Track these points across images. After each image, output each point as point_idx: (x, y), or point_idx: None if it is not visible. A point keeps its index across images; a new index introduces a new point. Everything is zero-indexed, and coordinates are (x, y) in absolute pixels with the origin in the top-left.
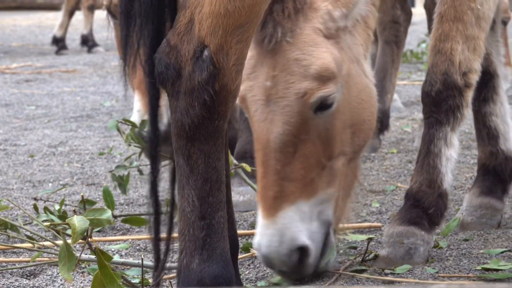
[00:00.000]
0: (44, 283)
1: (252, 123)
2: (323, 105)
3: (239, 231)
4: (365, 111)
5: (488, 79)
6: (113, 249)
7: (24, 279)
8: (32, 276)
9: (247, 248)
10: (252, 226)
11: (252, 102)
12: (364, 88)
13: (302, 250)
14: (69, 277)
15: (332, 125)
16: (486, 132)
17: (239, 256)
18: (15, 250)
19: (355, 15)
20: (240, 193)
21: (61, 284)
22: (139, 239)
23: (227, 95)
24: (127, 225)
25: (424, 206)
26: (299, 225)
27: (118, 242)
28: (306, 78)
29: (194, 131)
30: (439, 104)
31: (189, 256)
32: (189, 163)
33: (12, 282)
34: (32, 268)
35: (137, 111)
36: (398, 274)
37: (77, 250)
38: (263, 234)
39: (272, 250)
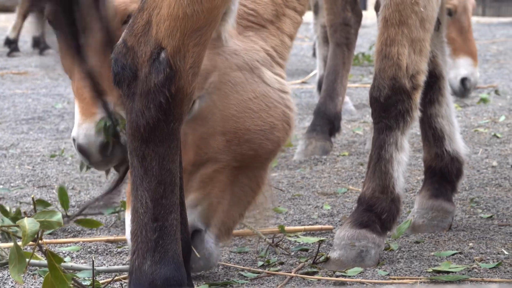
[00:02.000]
0: None
1: None
2: None
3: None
4: (252, 120)
5: (434, 81)
6: (64, 251)
7: None
8: None
9: None
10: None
11: None
12: (256, 97)
13: None
14: (20, 279)
15: (194, 130)
16: (432, 134)
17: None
18: None
19: (230, 19)
20: None
21: (12, 286)
22: (90, 241)
23: (183, 97)
24: (78, 227)
25: (377, 211)
26: None
27: (69, 244)
28: None
29: (149, 133)
30: (388, 109)
31: (141, 258)
32: (143, 165)
33: None
34: None
35: (78, 125)
36: (349, 276)
37: (31, 252)
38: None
39: None
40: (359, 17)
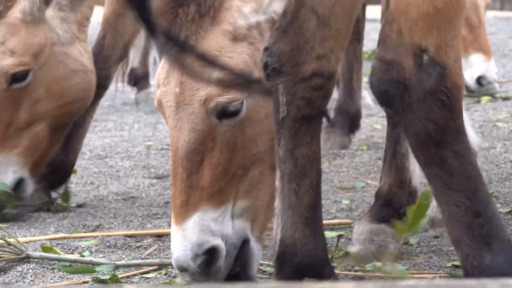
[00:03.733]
0: (14, 279)
1: (168, 129)
2: (226, 112)
3: None
4: None
5: None
6: (83, 246)
7: None
8: (1, 272)
9: None
10: None
11: (166, 108)
12: None
13: (211, 252)
14: None
15: (243, 133)
16: None
17: None
18: None
19: (269, 9)
20: None
21: (31, 280)
22: (109, 236)
23: (458, 91)
24: (97, 222)
25: (395, 206)
26: (205, 229)
27: (88, 238)
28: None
29: (441, 134)
30: None
31: (478, 257)
32: (445, 168)
33: None
34: (1, 264)
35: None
36: (368, 271)
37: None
38: (173, 240)
39: (180, 254)
40: (364, 8)
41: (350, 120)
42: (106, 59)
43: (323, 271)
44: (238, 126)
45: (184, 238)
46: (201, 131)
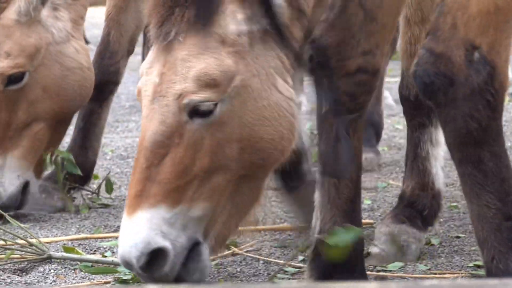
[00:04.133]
0: (36, 280)
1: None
2: (198, 111)
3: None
4: (266, 128)
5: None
6: (105, 246)
7: (16, 276)
8: (24, 273)
9: (228, 246)
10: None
11: (143, 97)
12: (270, 104)
13: (156, 253)
14: None
15: (212, 135)
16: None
17: (223, 253)
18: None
19: (263, 19)
20: None
21: (53, 280)
22: None
23: (503, 92)
24: (118, 222)
25: (418, 208)
26: (156, 229)
27: (110, 239)
28: (186, 80)
29: (482, 134)
30: (419, 106)
31: (504, 260)
32: (481, 169)
33: (4, 279)
34: (23, 264)
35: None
36: (390, 271)
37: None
38: (121, 232)
39: (125, 250)
40: None
41: (375, 130)
42: (113, 55)
43: (356, 266)
44: (208, 127)
45: (133, 232)
46: (170, 125)
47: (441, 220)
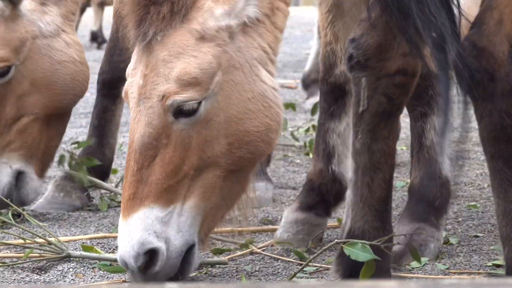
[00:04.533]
0: (55, 278)
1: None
2: (182, 111)
3: (248, 228)
4: (252, 121)
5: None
6: None
7: (35, 274)
8: (43, 271)
9: (246, 245)
10: (263, 222)
11: (130, 99)
12: (255, 96)
13: (152, 253)
14: None
15: (199, 133)
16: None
17: (239, 253)
18: (26, 246)
19: (242, 14)
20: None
21: (72, 279)
22: None
23: None
24: None
25: (429, 200)
26: (150, 229)
27: None
28: (168, 80)
29: None
30: (419, 96)
31: None
32: (511, 165)
33: (23, 277)
34: (42, 263)
35: (9, 166)
36: (409, 270)
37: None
38: (119, 234)
39: (123, 251)
40: None
41: None
42: (122, 52)
43: (384, 265)
44: (194, 126)
45: (128, 233)
46: (157, 126)
47: (460, 219)
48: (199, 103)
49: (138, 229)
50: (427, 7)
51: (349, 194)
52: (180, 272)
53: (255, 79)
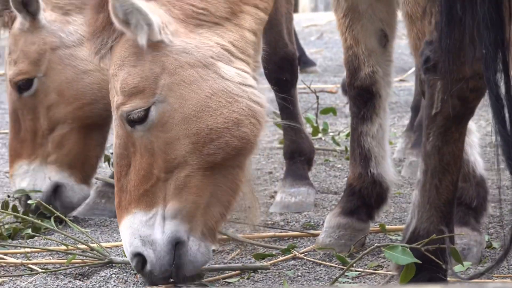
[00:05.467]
0: (98, 285)
1: None
2: (132, 119)
3: (290, 233)
4: (214, 118)
5: (369, 98)
6: None
7: (78, 281)
8: (85, 277)
9: (289, 250)
10: (304, 227)
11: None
12: (215, 93)
13: (140, 257)
14: None
15: (158, 137)
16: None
17: (281, 258)
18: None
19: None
20: (291, 194)
21: (114, 285)
22: None
23: None
24: None
25: (467, 202)
26: (135, 233)
27: None
28: (117, 93)
29: None
30: None
31: None
32: None
33: (65, 284)
34: (85, 269)
35: (48, 178)
36: (454, 273)
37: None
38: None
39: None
40: None
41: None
42: None
43: (439, 266)
44: (151, 131)
45: (122, 239)
46: (122, 136)
47: (503, 223)
48: (147, 109)
49: (126, 234)
50: (478, 26)
51: (415, 195)
52: (176, 268)
53: (214, 76)
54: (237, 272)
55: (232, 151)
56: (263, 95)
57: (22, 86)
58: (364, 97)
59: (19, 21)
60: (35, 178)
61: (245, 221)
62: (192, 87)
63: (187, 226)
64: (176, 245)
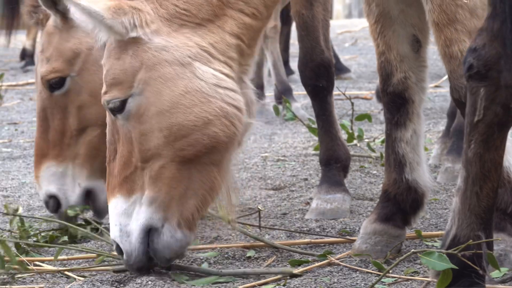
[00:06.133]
0: None
1: None
2: (112, 109)
3: (324, 239)
4: (186, 116)
5: (401, 103)
6: (201, 257)
7: None
8: (121, 285)
9: (324, 256)
10: (340, 233)
11: None
12: (188, 92)
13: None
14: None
15: (134, 128)
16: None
17: (317, 264)
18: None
19: (159, 14)
20: (327, 201)
21: None
22: (228, 247)
23: None
24: (215, 233)
25: (502, 207)
26: (116, 221)
27: (206, 250)
28: (103, 83)
29: None
30: None
31: None
32: None
33: None
34: (121, 276)
35: (78, 184)
36: (490, 280)
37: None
38: None
39: None
40: None
41: None
42: None
43: (479, 273)
44: (129, 121)
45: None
46: (110, 123)
47: None
48: (124, 100)
49: (111, 217)
50: None
51: (455, 202)
52: (153, 252)
53: (190, 75)
54: (273, 278)
55: (202, 149)
56: (241, 98)
57: (54, 84)
58: (397, 103)
59: (53, 18)
60: (63, 182)
61: (219, 216)
62: (168, 83)
63: (162, 215)
64: (150, 231)
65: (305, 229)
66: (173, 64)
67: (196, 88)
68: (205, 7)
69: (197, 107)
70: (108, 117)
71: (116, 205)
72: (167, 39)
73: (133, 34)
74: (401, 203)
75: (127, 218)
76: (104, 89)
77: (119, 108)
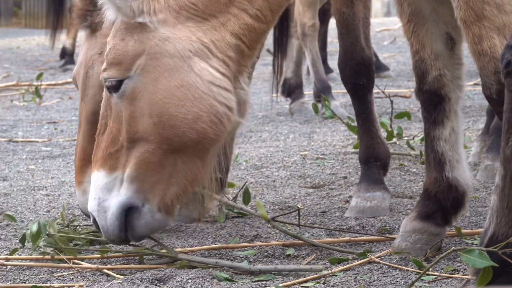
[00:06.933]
0: None
1: None
2: (108, 86)
3: (364, 237)
4: (177, 108)
5: (438, 101)
6: (241, 255)
7: (154, 286)
8: (161, 283)
9: (364, 254)
10: (380, 231)
11: None
12: (183, 85)
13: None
14: None
15: (126, 109)
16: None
17: (357, 262)
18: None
19: (161, 7)
20: (367, 199)
21: None
22: (267, 245)
23: None
24: (254, 232)
25: None
26: (95, 195)
27: (246, 248)
28: (104, 59)
29: None
30: (503, 102)
31: None
32: None
33: None
34: (161, 274)
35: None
36: None
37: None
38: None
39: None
40: None
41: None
42: None
43: None
44: (122, 101)
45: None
46: (105, 98)
47: None
48: (121, 81)
49: (91, 189)
50: None
51: (494, 199)
52: (130, 228)
53: (187, 69)
54: (313, 276)
55: (189, 142)
56: (234, 97)
57: (111, 87)
58: (433, 101)
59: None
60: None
61: (196, 207)
62: (166, 74)
63: (143, 196)
64: (130, 209)
65: (344, 227)
66: (174, 56)
67: (191, 83)
68: (213, 3)
69: (189, 101)
70: (104, 92)
71: (97, 179)
72: (172, 30)
73: (140, 19)
74: (441, 201)
75: (106, 193)
76: (104, 65)
77: (115, 87)
